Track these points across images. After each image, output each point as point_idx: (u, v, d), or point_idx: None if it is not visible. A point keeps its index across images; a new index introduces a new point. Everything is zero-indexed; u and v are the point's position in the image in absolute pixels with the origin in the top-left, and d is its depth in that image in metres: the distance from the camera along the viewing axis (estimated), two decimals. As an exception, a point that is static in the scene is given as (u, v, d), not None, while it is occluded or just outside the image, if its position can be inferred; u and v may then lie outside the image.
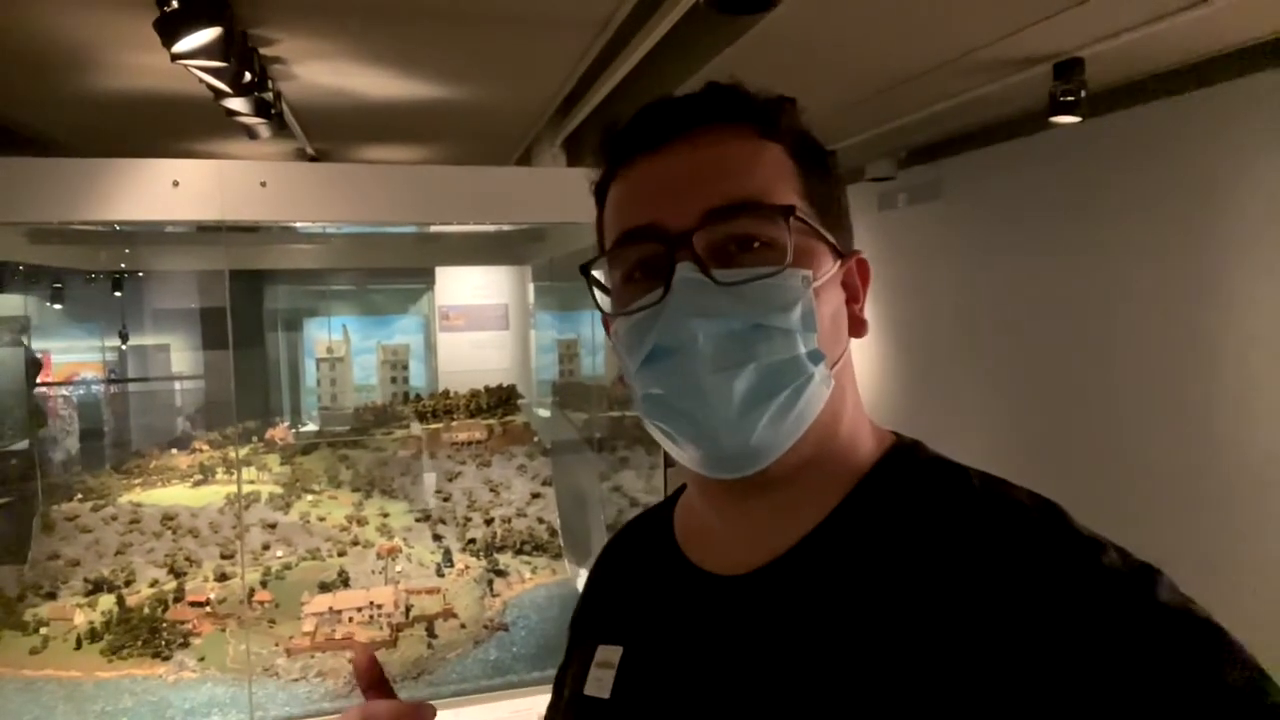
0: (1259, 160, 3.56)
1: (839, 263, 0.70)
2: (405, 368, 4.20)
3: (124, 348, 4.36)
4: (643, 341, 0.66)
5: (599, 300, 0.73)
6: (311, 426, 4.19)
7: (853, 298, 0.72)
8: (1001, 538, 0.60)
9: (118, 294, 4.08)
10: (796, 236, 0.65)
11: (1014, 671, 0.54)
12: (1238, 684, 0.51)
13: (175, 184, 2.05)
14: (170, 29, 2.26)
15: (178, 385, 4.53)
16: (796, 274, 0.64)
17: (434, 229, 3.43)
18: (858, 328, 0.72)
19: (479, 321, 4.25)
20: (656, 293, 0.65)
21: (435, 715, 0.74)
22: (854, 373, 0.72)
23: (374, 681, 0.75)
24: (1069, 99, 3.46)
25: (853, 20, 3.11)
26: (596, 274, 0.73)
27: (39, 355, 3.45)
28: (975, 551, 0.60)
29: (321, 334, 4.61)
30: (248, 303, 4.69)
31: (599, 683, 0.74)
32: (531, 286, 4.31)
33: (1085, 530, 0.60)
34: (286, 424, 3.96)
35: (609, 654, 0.75)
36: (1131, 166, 4.17)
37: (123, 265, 3.87)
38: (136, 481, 3.17)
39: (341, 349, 4.24)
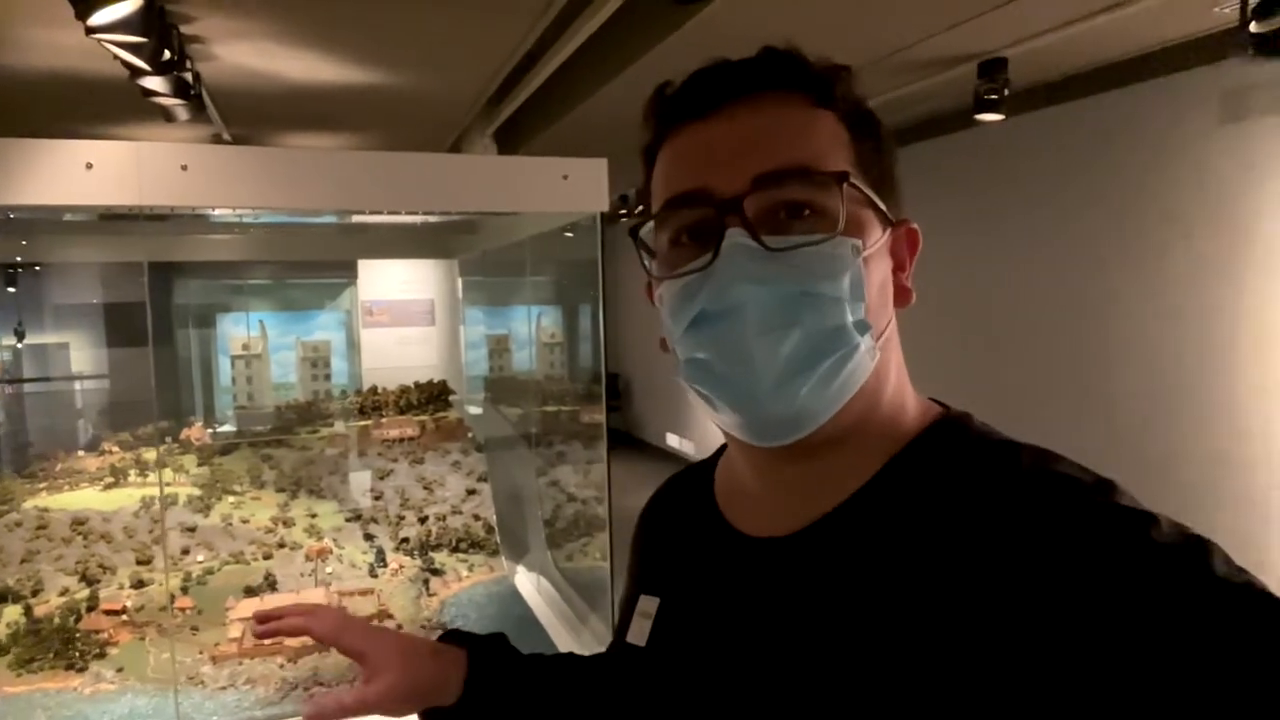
0: (1164, 158, 3.74)
1: (888, 231, 0.69)
2: (327, 365, 4.07)
3: (20, 346, 4.11)
4: (688, 306, 0.65)
5: (645, 263, 0.72)
6: (229, 426, 4.02)
7: (899, 267, 0.71)
8: (1046, 510, 0.59)
9: (11, 289, 3.85)
10: (848, 204, 0.64)
11: (1057, 645, 0.53)
12: None
13: (89, 166, 1.92)
14: (85, 0, 2.12)
15: (78, 385, 4.29)
16: (846, 242, 0.64)
17: (357, 219, 3.31)
18: (903, 297, 0.71)
19: (404, 317, 4.16)
20: (704, 257, 0.64)
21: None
22: (899, 343, 0.72)
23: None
24: (993, 97, 3.57)
25: (783, 17, 3.14)
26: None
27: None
28: (1017, 523, 0.58)
29: (237, 330, 4.43)
30: (157, 297, 4.47)
31: (638, 631, 0.77)
32: (460, 281, 4.22)
33: (1137, 504, 0.59)
34: (201, 424, 3.79)
35: (647, 604, 0.78)
36: (1049, 162, 4.34)
37: (18, 258, 3.65)
38: (41, 485, 2.98)
39: (258, 346, 4.09)
